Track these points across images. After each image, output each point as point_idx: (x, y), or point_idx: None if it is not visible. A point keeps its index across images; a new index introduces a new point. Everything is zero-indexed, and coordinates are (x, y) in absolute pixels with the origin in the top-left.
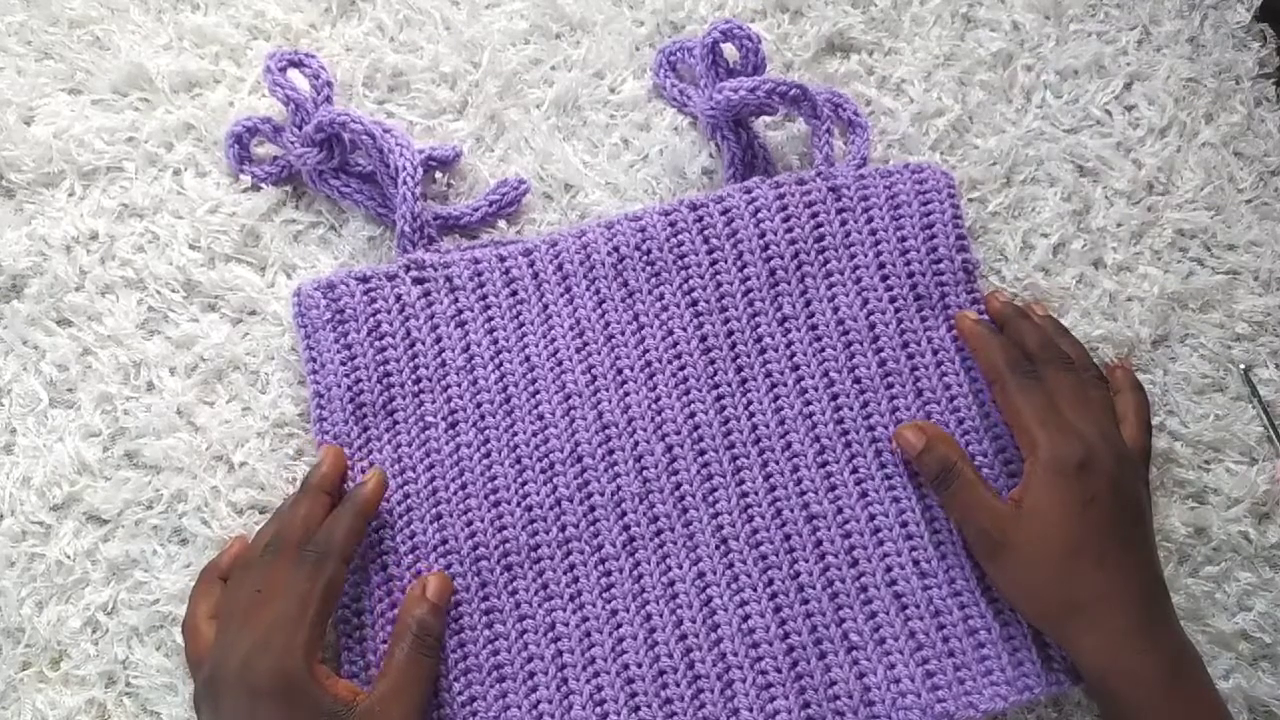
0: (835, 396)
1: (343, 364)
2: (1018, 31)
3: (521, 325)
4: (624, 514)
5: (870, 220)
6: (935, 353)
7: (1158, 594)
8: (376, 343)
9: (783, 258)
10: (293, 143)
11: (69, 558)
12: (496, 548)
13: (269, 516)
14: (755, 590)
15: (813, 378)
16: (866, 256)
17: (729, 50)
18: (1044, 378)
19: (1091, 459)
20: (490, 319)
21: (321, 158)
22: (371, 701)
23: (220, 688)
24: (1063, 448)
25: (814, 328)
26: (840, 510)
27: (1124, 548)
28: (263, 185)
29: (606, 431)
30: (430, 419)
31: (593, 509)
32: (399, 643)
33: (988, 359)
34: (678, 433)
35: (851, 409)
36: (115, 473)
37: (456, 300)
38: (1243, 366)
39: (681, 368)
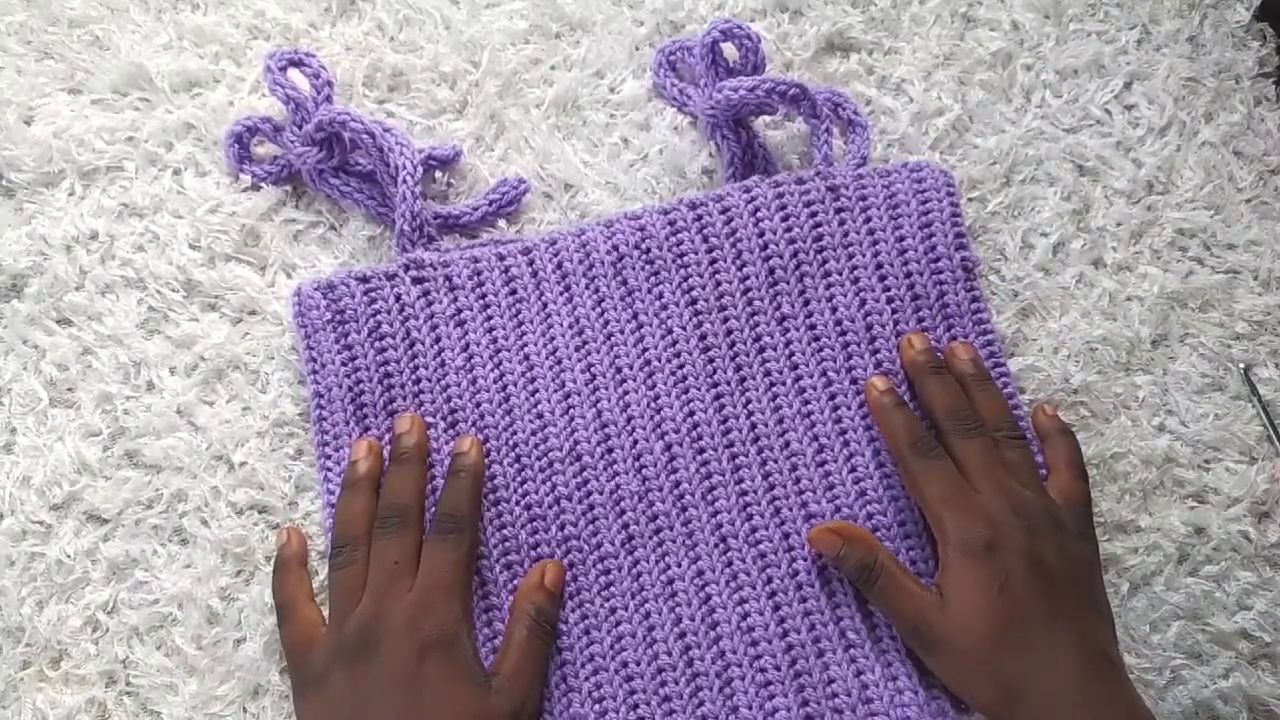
0: (833, 396)
1: (343, 364)
2: (1017, 31)
3: (520, 324)
4: (623, 512)
5: (868, 220)
6: None
7: (1098, 665)
8: (376, 343)
9: (781, 257)
10: (293, 142)
11: (69, 557)
12: (496, 546)
13: (344, 493)
14: (754, 589)
15: (811, 377)
16: (864, 256)
17: (729, 50)
18: (951, 448)
19: (999, 538)
20: (489, 318)
21: (321, 157)
22: (500, 679)
23: (383, 640)
24: (968, 530)
25: (812, 327)
26: (838, 510)
27: (1051, 624)
28: (263, 185)
29: (605, 430)
30: (430, 418)
31: (592, 507)
32: (517, 626)
33: (890, 437)
34: (676, 431)
35: (849, 409)
36: (115, 472)
37: (456, 299)
38: (1243, 366)
39: (680, 366)
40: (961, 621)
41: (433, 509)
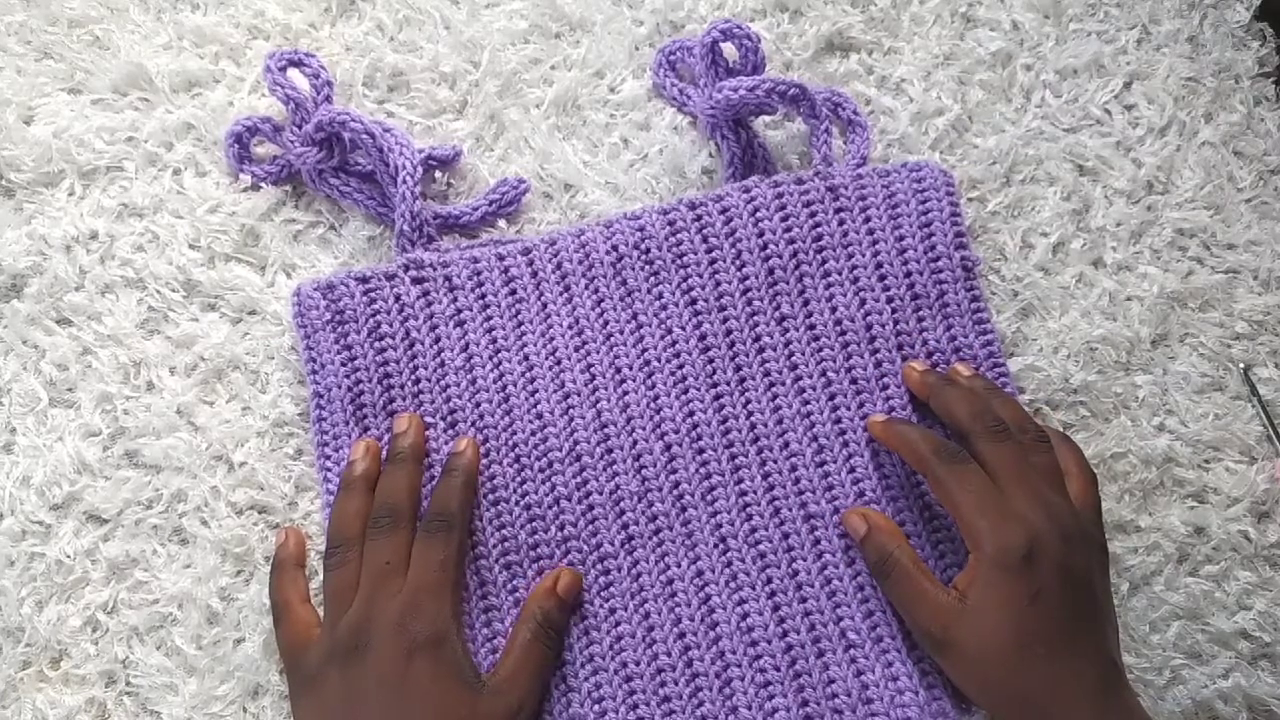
0: (833, 396)
1: (343, 364)
2: (1017, 31)
3: (520, 324)
4: (622, 513)
5: (868, 220)
6: (931, 354)
7: (1112, 677)
8: (376, 343)
9: (781, 257)
10: (292, 142)
11: (69, 557)
12: (495, 546)
13: (340, 493)
14: (754, 589)
15: (810, 377)
16: (864, 256)
17: (729, 50)
18: (979, 453)
19: (1037, 548)
20: (489, 318)
21: (321, 157)
22: (497, 681)
23: (373, 641)
24: (1007, 539)
25: (812, 327)
26: (838, 510)
27: (1074, 636)
28: (263, 185)
29: (605, 430)
30: (430, 419)
31: (591, 508)
32: (522, 629)
33: (911, 453)
34: (676, 431)
35: (848, 409)
36: (115, 472)
37: (455, 300)
38: (1242, 366)
39: (680, 367)
40: (984, 631)
41: None
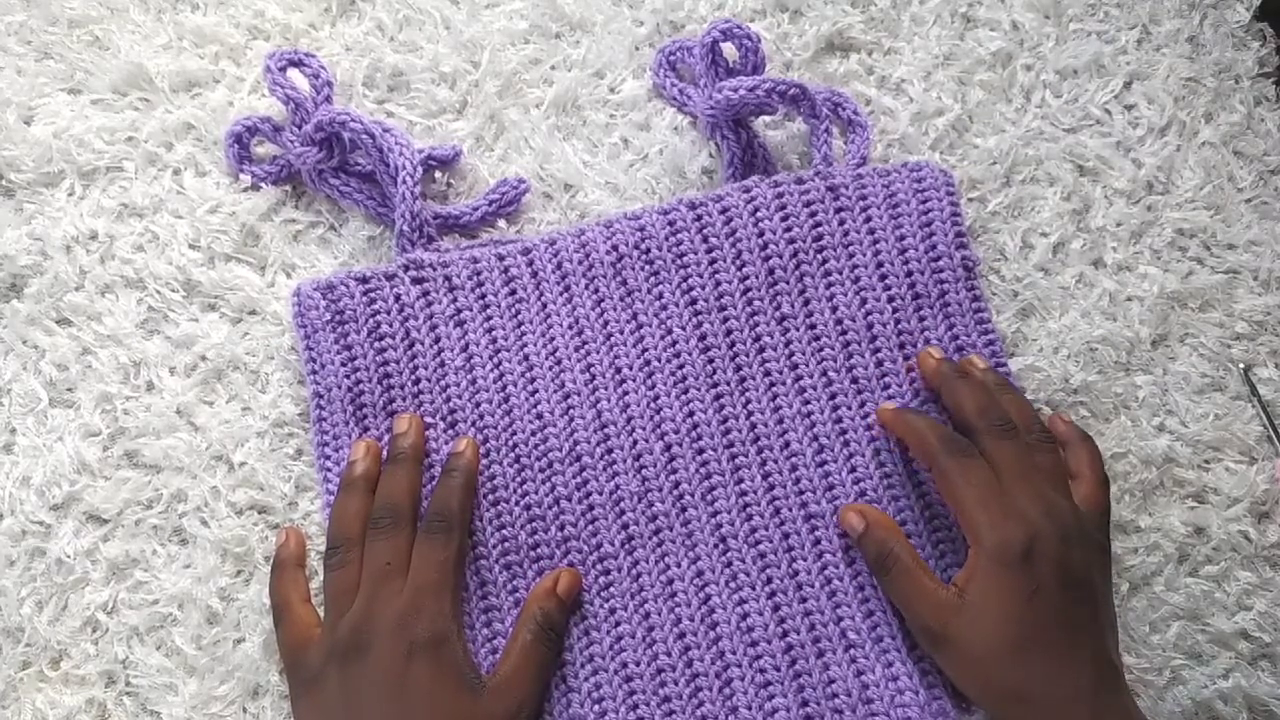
0: (833, 396)
1: (342, 365)
2: (1017, 31)
3: (520, 324)
4: (623, 513)
5: (868, 220)
6: None
7: (1109, 677)
8: (376, 343)
9: (781, 257)
10: (292, 142)
11: (69, 557)
12: (495, 546)
13: (340, 493)
14: (754, 589)
15: (811, 377)
16: (864, 256)
17: (729, 50)
18: (984, 449)
19: (1036, 545)
20: (489, 318)
21: (321, 157)
22: (497, 681)
23: (373, 641)
24: (1006, 535)
25: (812, 327)
26: (838, 510)
27: (1072, 636)
28: (262, 185)
29: (605, 430)
30: (430, 419)
31: (591, 508)
32: (522, 629)
33: (918, 443)
34: (676, 432)
35: (849, 408)
36: (115, 472)
37: (455, 300)
38: (1242, 366)
39: (680, 367)
40: (982, 627)
41: None
